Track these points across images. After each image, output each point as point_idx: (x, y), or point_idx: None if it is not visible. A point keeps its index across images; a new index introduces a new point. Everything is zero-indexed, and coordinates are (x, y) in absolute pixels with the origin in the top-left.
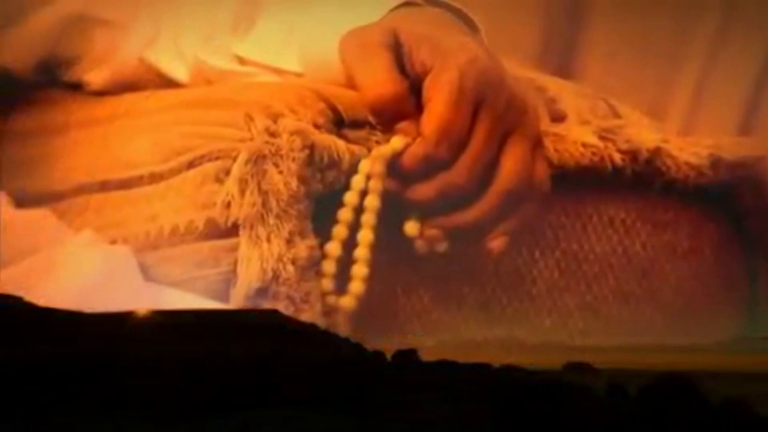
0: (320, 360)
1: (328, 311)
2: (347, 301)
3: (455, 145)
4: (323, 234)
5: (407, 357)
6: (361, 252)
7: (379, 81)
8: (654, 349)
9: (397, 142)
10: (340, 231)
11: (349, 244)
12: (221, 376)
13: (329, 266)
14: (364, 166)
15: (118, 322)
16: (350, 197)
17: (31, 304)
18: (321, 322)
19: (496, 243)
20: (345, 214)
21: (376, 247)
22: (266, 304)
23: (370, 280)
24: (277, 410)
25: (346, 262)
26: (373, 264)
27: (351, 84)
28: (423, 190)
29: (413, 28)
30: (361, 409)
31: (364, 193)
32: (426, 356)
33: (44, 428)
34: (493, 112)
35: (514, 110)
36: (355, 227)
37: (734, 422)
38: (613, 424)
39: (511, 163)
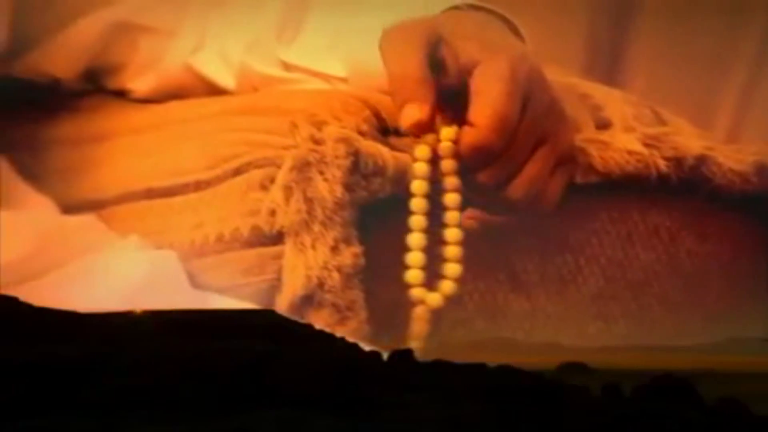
0: (317, 360)
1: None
2: (436, 299)
3: (507, 137)
4: (368, 242)
5: (403, 357)
6: (452, 250)
7: (406, 65)
8: (652, 349)
9: (449, 133)
10: (417, 239)
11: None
12: (218, 376)
13: (415, 277)
14: (420, 169)
15: (115, 322)
16: (417, 203)
17: (28, 304)
18: (366, 329)
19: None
20: (418, 221)
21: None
22: (311, 312)
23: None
24: (273, 410)
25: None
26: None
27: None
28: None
29: (459, 28)
30: (358, 409)
31: (427, 196)
32: (424, 356)
33: (42, 428)
34: (535, 116)
35: (553, 116)
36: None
37: (730, 422)
38: (610, 424)
39: (530, 174)
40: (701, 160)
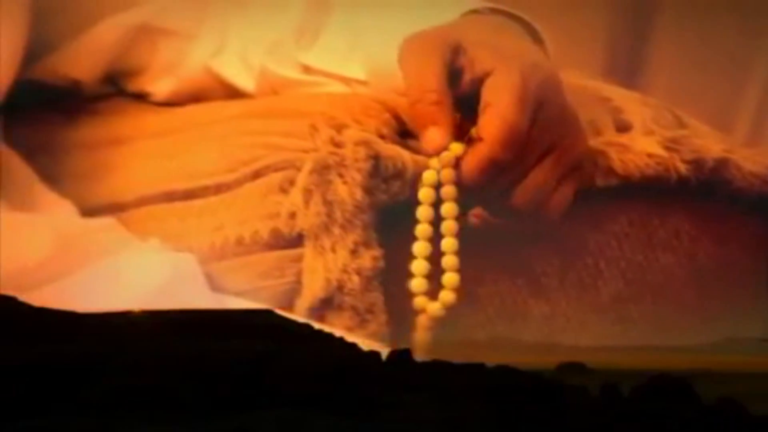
0: (315, 360)
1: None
2: (436, 308)
3: (517, 149)
4: (388, 244)
5: (402, 357)
6: (449, 260)
7: (424, 81)
8: (649, 349)
9: (457, 147)
10: (421, 247)
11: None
12: (217, 376)
13: (419, 285)
14: (429, 177)
15: (115, 322)
16: (423, 211)
17: (26, 304)
18: (386, 332)
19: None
20: (423, 230)
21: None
22: (331, 315)
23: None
24: (273, 410)
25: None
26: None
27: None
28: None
29: (476, 33)
30: (357, 408)
31: (436, 205)
32: (421, 356)
33: (42, 428)
34: (544, 125)
35: (565, 124)
36: (434, 239)
37: (728, 422)
38: (609, 424)
39: (533, 183)
40: (721, 162)
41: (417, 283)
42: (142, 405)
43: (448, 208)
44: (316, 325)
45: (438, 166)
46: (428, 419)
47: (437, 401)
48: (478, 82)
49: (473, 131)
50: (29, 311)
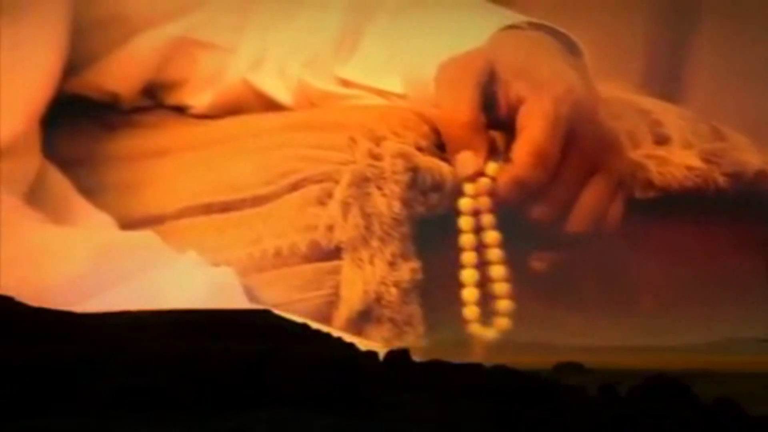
0: (313, 360)
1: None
2: (491, 334)
3: (549, 173)
4: (426, 257)
5: (400, 357)
6: (501, 287)
7: (458, 108)
8: (648, 349)
9: (491, 168)
10: (469, 257)
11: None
12: (216, 376)
13: (470, 295)
14: (469, 189)
15: (113, 322)
16: (465, 222)
17: (25, 304)
18: (424, 344)
19: (538, 265)
20: (468, 239)
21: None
22: (369, 327)
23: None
24: (270, 410)
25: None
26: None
27: None
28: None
29: (511, 58)
30: (355, 409)
31: (476, 213)
32: (419, 356)
33: (41, 428)
34: (582, 147)
35: (603, 147)
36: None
37: (726, 422)
38: (607, 424)
39: (587, 206)
40: (760, 175)
41: (468, 293)
42: (140, 405)
43: (491, 236)
44: (353, 337)
45: (473, 192)
46: (427, 419)
47: (435, 401)
48: (514, 108)
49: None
50: (28, 311)
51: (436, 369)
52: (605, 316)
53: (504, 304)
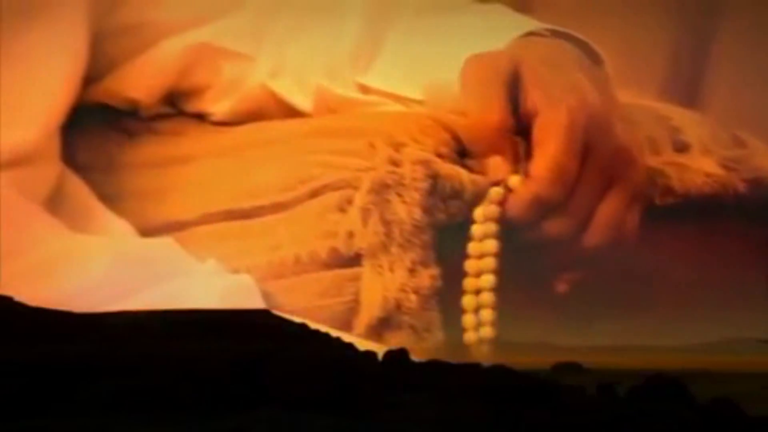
0: (312, 360)
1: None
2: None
3: (566, 189)
4: (445, 263)
5: (399, 357)
6: (487, 297)
7: (488, 108)
8: (646, 349)
9: (514, 180)
10: (471, 265)
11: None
12: (215, 376)
13: (468, 302)
14: (493, 193)
15: (112, 322)
16: (477, 229)
17: (23, 304)
18: (444, 350)
19: (562, 287)
20: (474, 247)
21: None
22: (389, 334)
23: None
24: (269, 411)
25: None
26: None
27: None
28: (529, 234)
29: (532, 65)
30: (354, 409)
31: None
32: (417, 356)
33: (41, 428)
34: (599, 160)
35: (620, 160)
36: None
37: (723, 422)
38: (604, 424)
39: (605, 218)
40: None
41: (466, 301)
42: (140, 405)
43: (489, 245)
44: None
45: (487, 200)
46: (426, 419)
47: (435, 401)
48: (530, 117)
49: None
50: (27, 311)
51: (434, 369)
52: (611, 317)
53: (487, 314)
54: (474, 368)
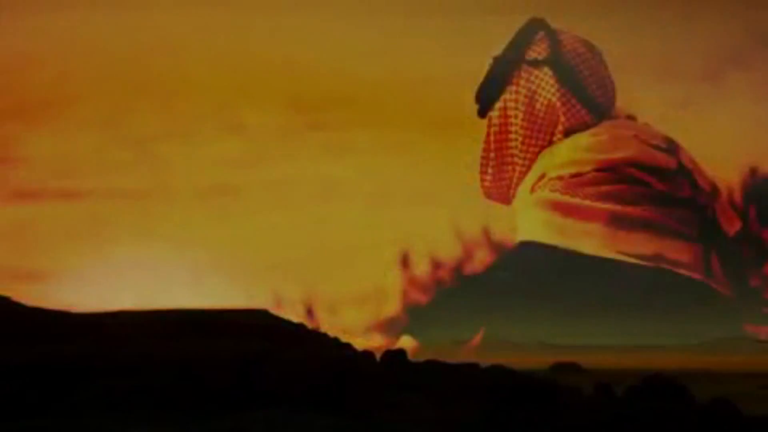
0: (310, 360)
1: None
2: None
3: None
4: None
5: (396, 357)
6: None
7: None
8: (644, 349)
9: None
10: None
11: None
12: (213, 376)
13: None
14: None
15: (111, 322)
16: None
17: (23, 304)
18: None
19: None
20: None
21: None
22: None
23: None
24: (267, 410)
25: None
26: None
27: None
28: None
29: None
30: (353, 408)
31: None
32: (415, 356)
33: (41, 428)
34: None
35: None
36: None
37: (722, 422)
38: (603, 423)
39: None
40: None
41: None
42: (138, 405)
43: None
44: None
45: None
46: (425, 419)
47: (432, 401)
48: None
49: None
50: (25, 311)
51: (432, 369)
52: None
53: None
54: (472, 368)
